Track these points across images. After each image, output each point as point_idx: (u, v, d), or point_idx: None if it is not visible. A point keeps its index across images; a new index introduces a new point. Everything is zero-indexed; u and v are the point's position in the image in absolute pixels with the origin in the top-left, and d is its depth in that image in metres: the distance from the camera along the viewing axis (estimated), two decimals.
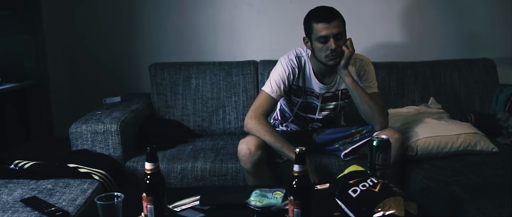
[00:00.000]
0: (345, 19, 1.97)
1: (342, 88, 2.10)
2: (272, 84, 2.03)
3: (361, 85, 2.04)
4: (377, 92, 2.10)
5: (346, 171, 1.56)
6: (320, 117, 2.18)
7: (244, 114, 2.26)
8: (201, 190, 1.72)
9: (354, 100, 2.01)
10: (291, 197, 1.28)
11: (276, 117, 2.33)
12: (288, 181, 1.31)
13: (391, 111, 2.55)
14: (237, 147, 1.97)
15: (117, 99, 2.59)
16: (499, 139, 2.38)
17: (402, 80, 2.72)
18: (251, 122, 1.99)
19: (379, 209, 1.31)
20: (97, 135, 2.13)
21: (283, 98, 2.15)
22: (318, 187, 1.64)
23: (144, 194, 1.33)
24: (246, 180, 2.05)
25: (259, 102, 2.04)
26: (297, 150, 1.27)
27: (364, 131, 2.07)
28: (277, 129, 2.29)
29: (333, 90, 2.10)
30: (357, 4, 2.88)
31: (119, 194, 1.35)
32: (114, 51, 2.94)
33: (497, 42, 2.97)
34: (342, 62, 1.95)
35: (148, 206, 1.33)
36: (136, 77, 2.96)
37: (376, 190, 1.38)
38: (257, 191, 1.54)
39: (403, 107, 2.62)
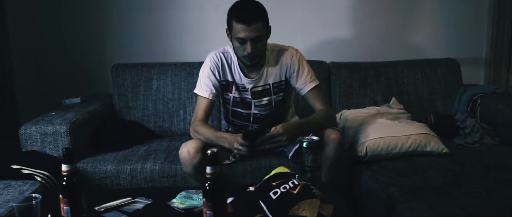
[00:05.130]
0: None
1: (272, 81, 2.05)
2: (202, 85, 2.05)
3: (297, 84, 2.01)
4: (318, 84, 2.04)
5: (272, 173, 1.55)
6: (257, 113, 2.12)
7: None
8: (143, 191, 1.71)
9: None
10: (204, 199, 1.28)
11: (224, 122, 2.34)
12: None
13: (351, 111, 2.54)
14: None
15: (77, 100, 2.59)
16: (456, 139, 2.36)
17: (364, 80, 2.70)
18: (192, 130, 2.01)
19: (293, 212, 1.31)
20: (46, 136, 2.13)
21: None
22: (251, 188, 1.64)
23: (60, 196, 1.34)
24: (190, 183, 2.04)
25: (196, 108, 2.06)
26: (209, 151, 1.27)
27: None
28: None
29: (261, 83, 2.07)
30: (322, 3, 2.86)
31: (37, 195, 1.35)
32: (81, 51, 2.94)
33: (462, 42, 2.96)
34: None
35: (65, 207, 1.33)
36: (102, 78, 2.96)
37: (295, 192, 1.38)
38: (183, 192, 1.54)
39: (364, 108, 2.60)
